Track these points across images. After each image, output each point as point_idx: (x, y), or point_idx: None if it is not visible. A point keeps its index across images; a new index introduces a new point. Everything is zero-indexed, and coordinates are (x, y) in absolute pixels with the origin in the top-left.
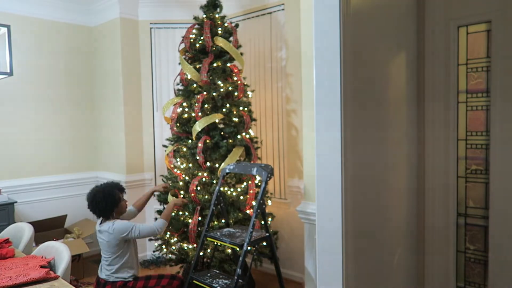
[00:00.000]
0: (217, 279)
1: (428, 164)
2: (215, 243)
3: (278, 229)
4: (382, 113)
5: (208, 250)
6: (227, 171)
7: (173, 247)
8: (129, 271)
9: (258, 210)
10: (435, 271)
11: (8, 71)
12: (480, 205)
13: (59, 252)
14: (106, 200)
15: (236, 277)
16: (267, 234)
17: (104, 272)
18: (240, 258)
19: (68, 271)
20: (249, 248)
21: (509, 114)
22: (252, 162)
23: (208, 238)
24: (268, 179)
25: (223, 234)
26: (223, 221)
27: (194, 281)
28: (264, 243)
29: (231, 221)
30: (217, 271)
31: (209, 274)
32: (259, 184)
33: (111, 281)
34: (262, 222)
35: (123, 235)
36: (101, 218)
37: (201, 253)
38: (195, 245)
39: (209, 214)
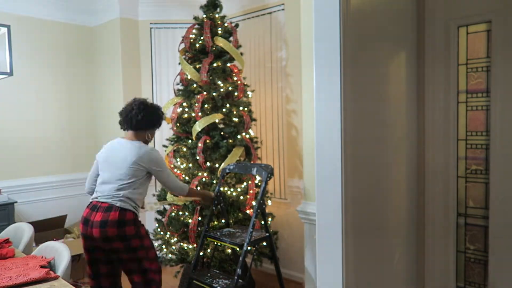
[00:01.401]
0: (217, 279)
1: (428, 164)
2: (215, 243)
3: (278, 229)
4: (382, 113)
5: (208, 250)
6: (227, 171)
7: (173, 247)
8: (137, 208)
9: (258, 210)
10: (435, 271)
11: (8, 71)
12: (480, 205)
13: (59, 252)
14: (151, 113)
15: (236, 277)
16: (267, 234)
17: (108, 196)
18: (240, 258)
19: (68, 271)
20: (249, 248)
21: (509, 114)
22: (252, 162)
23: (208, 238)
24: (268, 179)
25: (223, 234)
26: (223, 221)
27: (194, 281)
28: (264, 243)
29: (231, 221)
30: (217, 271)
31: (209, 274)
32: (259, 184)
33: (119, 206)
34: (262, 222)
35: (155, 169)
36: (125, 133)
37: (201, 253)
38: (195, 245)
39: (209, 214)
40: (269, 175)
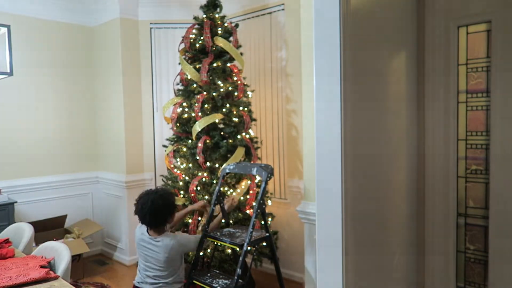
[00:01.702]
0: (217, 279)
1: (428, 164)
2: (215, 243)
3: (278, 229)
4: (382, 113)
5: (208, 250)
6: (227, 171)
7: None
8: (180, 282)
9: (258, 210)
10: (435, 271)
11: (8, 71)
12: (480, 205)
13: (59, 252)
14: (167, 208)
15: (236, 277)
16: (267, 234)
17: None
18: (240, 258)
19: (68, 271)
20: (249, 248)
21: (509, 114)
22: (252, 162)
23: (208, 238)
24: (268, 179)
25: (223, 234)
26: (223, 221)
27: (194, 281)
28: (264, 244)
29: (231, 221)
30: (217, 271)
31: (209, 274)
32: (259, 184)
33: None
34: (262, 222)
35: (185, 249)
36: (145, 227)
37: (201, 253)
38: None
39: (209, 214)
40: (269, 175)
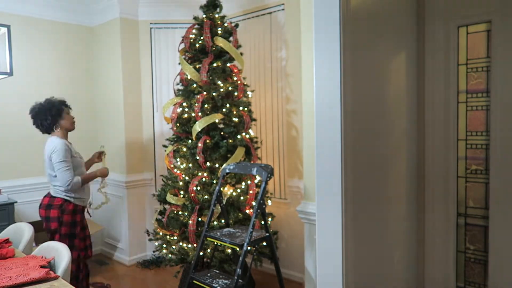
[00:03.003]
0: (217, 279)
1: (428, 164)
2: (215, 243)
3: (278, 229)
4: (382, 114)
5: (208, 250)
6: (227, 171)
7: (173, 247)
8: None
9: (258, 210)
10: (435, 271)
11: (8, 71)
12: (480, 205)
13: (59, 252)
14: (48, 111)
15: (236, 277)
16: (267, 234)
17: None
18: (240, 258)
19: (68, 271)
20: (249, 248)
21: (508, 114)
22: (252, 162)
23: (208, 238)
24: (268, 179)
25: (223, 234)
26: (222, 221)
27: (194, 281)
28: (264, 243)
29: (231, 221)
30: (217, 271)
31: (209, 274)
32: (259, 184)
33: (52, 195)
34: (262, 222)
35: (50, 154)
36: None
37: (201, 253)
38: (195, 245)
39: (209, 214)
40: (269, 175)
